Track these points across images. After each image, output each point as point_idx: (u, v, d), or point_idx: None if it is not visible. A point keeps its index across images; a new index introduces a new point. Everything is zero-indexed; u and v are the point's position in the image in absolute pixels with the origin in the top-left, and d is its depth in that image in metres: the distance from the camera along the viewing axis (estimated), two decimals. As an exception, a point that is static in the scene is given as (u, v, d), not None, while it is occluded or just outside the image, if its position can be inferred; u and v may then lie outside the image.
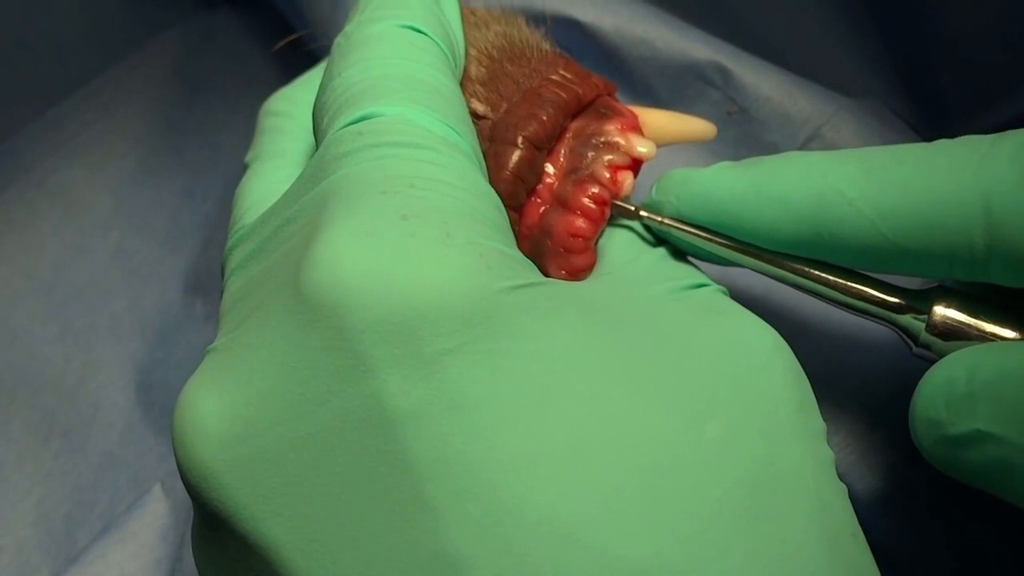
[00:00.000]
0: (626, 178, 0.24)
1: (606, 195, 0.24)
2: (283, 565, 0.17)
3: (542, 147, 0.23)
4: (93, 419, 0.34)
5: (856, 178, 0.20)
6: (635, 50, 0.31)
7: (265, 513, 0.18)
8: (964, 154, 0.19)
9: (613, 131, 0.24)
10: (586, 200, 0.23)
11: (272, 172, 0.25)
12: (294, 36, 0.34)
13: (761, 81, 0.31)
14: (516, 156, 0.23)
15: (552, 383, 0.17)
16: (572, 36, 0.32)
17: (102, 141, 0.42)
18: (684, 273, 0.23)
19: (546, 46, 0.26)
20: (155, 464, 0.33)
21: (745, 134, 0.32)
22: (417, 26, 0.22)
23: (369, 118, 0.20)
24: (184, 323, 0.37)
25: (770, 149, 0.32)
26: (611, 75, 0.32)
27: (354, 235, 0.18)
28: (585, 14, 0.31)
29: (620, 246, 0.23)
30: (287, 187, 0.22)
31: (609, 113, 0.25)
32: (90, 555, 0.30)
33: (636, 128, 0.25)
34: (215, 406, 0.18)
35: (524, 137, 0.23)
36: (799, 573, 0.17)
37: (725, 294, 0.22)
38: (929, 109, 0.33)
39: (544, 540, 0.16)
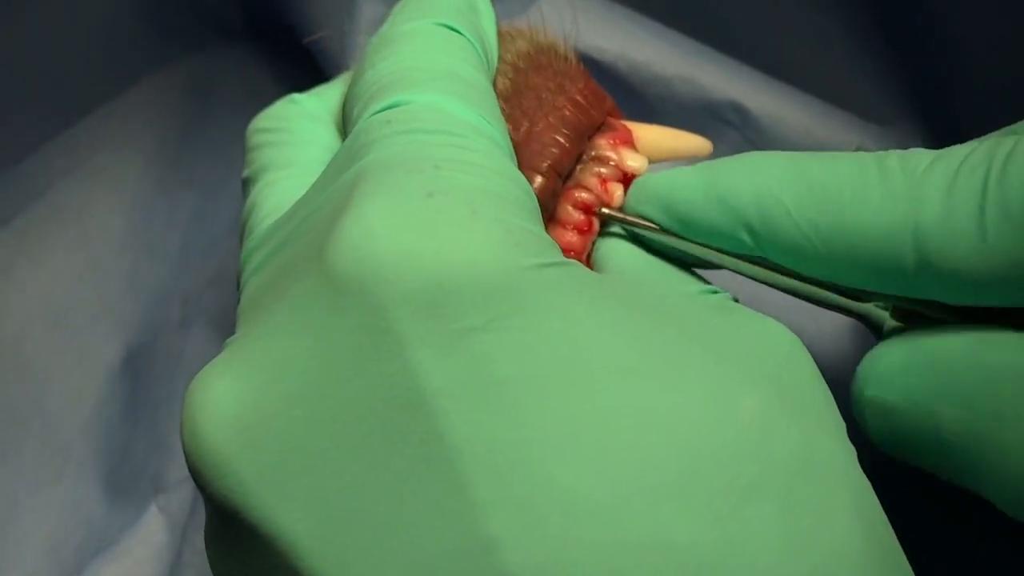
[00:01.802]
0: (616, 189, 0.24)
1: (593, 203, 0.23)
2: (298, 556, 0.17)
3: (563, 174, 0.23)
4: (109, 450, 0.34)
5: (798, 194, 0.20)
6: (651, 89, 0.31)
7: (279, 501, 0.17)
8: (900, 181, 0.19)
9: (604, 145, 0.24)
10: (573, 210, 0.23)
11: (286, 180, 0.24)
12: (323, 34, 0.34)
13: (779, 118, 0.31)
14: (539, 183, 0.23)
15: (583, 361, 0.17)
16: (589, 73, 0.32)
17: (117, 162, 0.42)
18: (694, 281, 0.23)
19: (571, 55, 0.25)
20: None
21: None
22: (453, 25, 0.23)
23: (399, 105, 0.20)
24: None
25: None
26: (629, 113, 0.32)
27: (380, 211, 0.17)
28: (602, 53, 0.31)
29: (624, 257, 0.23)
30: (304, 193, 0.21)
31: (603, 128, 0.24)
32: (84, 575, 0.30)
33: (629, 142, 0.25)
34: (227, 389, 0.18)
35: (549, 165, 0.23)
36: (839, 560, 0.17)
37: (736, 300, 0.22)
38: (952, 139, 0.33)
39: (577, 520, 0.16)
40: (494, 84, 0.24)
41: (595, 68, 0.32)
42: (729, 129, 0.31)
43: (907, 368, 0.20)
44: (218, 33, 0.45)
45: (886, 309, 0.22)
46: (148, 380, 0.36)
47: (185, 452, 0.18)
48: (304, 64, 0.38)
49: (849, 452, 0.19)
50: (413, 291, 0.17)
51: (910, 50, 0.33)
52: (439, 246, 0.17)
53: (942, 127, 0.33)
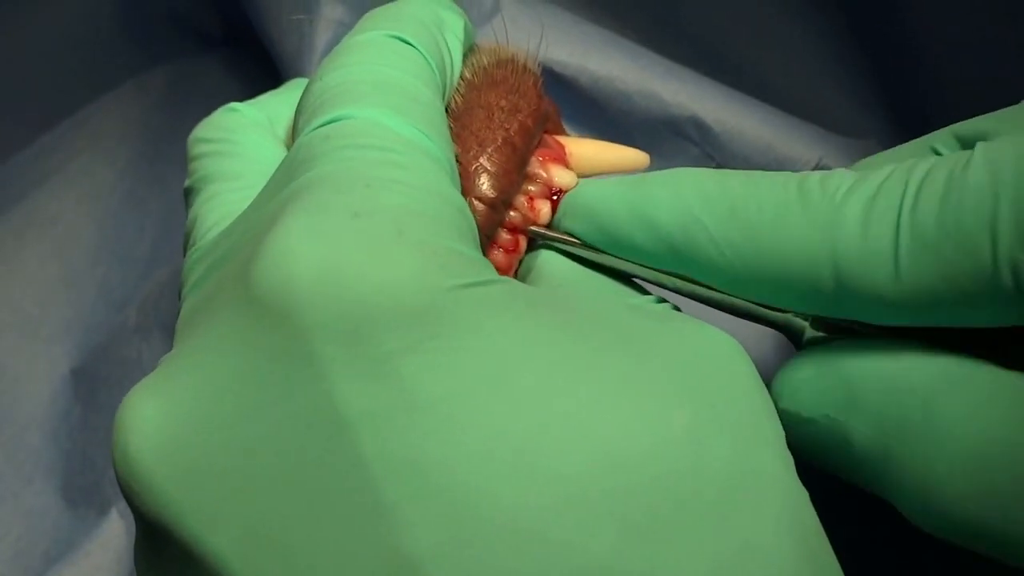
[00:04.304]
0: (542, 207, 0.24)
1: (520, 223, 0.23)
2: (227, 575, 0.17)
3: (508, 203, 0.23)
4: (77, 459, 0.34)
5: (720, 217, 0.21)
6: (613, 103, 0.31)
7: (209, 523, 0.17)
8: (819, 205, 0.20)
9: (534, 162, 0.24)
10: (499, 230, 0.23)
11: (227, 193, 0.24)
12: (301, 16, 0.34)
13: (739, 133, 0.31)
14: (486, 214, 0.23)
15: (508, 378, 0.17)
16: (551, 86, 0.32)
17: (91, 170, 0.42)
18: (632, 292, 0.23)
19: (532, 67, 0.25)
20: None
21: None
22: (405, 37, 0.23)
23: (339, 120, 0.20)
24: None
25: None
26: (590, 125, 0.32)
27: (303, 232, 0.17)
28: (564, 67, 0.31)
29: (560, 270, 0.23)
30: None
31: (537, 144, 0.24)
32: (43, 580, 0.30)
33: (560, 159, 0.25)
34: (156, 411, 0.18)
35: (496, 196, 0.23)
36: (770, 574, 0.17)
37: (678, 310, 0.22)
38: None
39: (504, 537, 0.16)
40: (448, 102, 0.24)
41: (557, 82, 0.32)
42: (689, 145, 0.32)
43: (818, 384, 0.20)
44: (195, 43, 0.45)
45: (806, 319, 0.22)
46: (109, 385, 0.36)
47: (115, 472, 0.18)
48: (279, 74, 0.38)
49: (786, 463, 0.19)
50: (334, 315, 0.17)
51: (877, 60, 0.33)
52: (361, 268, 0.17)
53: (908, 138, 0.33)
